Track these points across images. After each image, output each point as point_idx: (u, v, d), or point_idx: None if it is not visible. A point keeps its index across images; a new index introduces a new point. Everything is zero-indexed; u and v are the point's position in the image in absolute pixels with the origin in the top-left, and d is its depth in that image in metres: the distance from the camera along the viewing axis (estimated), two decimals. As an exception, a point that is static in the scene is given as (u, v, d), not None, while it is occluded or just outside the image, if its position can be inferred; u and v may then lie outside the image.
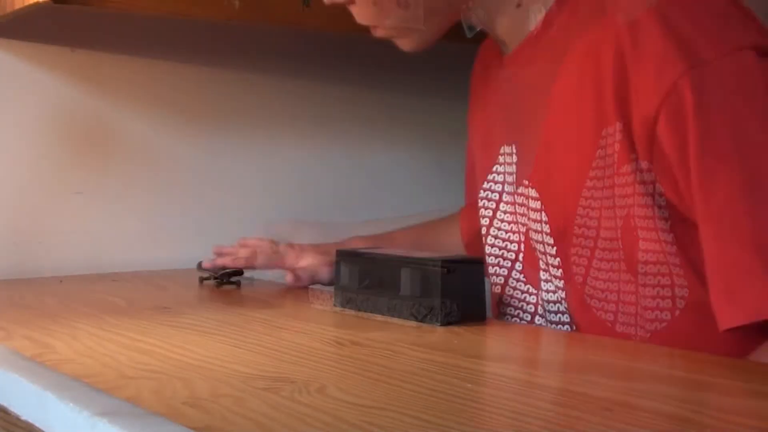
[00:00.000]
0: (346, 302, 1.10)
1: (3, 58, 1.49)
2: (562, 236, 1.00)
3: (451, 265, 1.00)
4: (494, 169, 1.14)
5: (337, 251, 1.12)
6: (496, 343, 0.97)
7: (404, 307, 1.02)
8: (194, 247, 1.65)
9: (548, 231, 1.01)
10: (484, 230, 1.16)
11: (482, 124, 1.18)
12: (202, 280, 1.34)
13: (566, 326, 1.02)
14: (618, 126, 0.91)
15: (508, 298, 1.12)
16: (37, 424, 0.74)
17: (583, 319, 1.00)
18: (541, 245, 1.03)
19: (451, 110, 2.00)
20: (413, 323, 1.00)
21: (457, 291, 1.00)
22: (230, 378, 0.76)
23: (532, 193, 1.03)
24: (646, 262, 0.93)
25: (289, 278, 1.27)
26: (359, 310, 1.08)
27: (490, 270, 1.15)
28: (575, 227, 0.98)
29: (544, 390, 0.77)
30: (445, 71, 1.99)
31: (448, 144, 1.99)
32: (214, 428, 0.62)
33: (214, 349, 0.88)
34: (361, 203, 1.87)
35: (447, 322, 0.99)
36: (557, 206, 1.00)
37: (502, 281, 1.13)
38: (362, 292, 1.08)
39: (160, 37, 1.63)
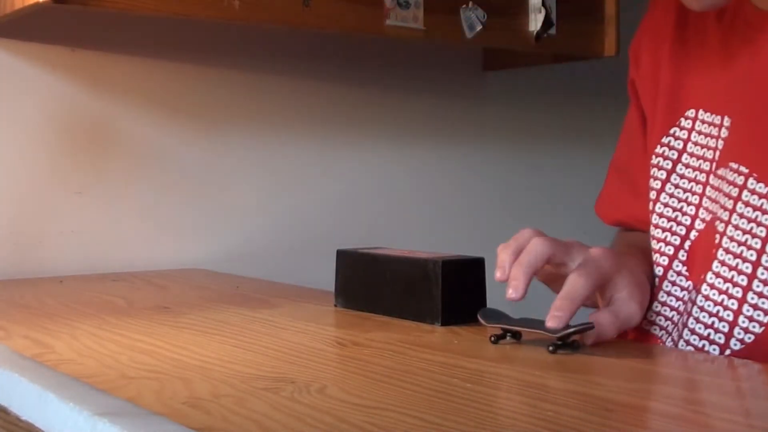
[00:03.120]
0: (347, 302, 1.10)
1: (3, 58, 1.49)
2: None
3: (451, 265, 1.00)
4: (672, 131, 0.98)
5: (338, 251, 1.12)
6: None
7: (404, 307, 1.02)
8: (194, 247, 1.66)
9: None
10: (650, 205, 0.98)
11: (671, 76, 1.00)
12: (497, 339, 0.90)
13: (715, 346, 0.87)
14: None
15: (665, 295, 0.95)
16: (37, 424, 0.74)
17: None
18: (752, 252, 0.85)
19: (453, 109, 2.00)
20: (414, 323, 1.00)
21: (457, 291, 1.00)
22: (230, 378, 0.76)
23: (755, 185, 0.86)
24: None
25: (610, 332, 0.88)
26: (360, 310, 1.08)
27: (655, 246, 0.97)
28: None
29: (544, 390, 0.77)
30: (447, 71, 1.99)
31: (449, 143, 1.99)
32: (215, 428, 0.62)
33: (214, 349, 0.88)
34: (362, 203, 1.87)
35: (447, 322, 0.99)
36: None
37: (661, 272, 0.95)
38: (363, 292, 1.08)
39: (160, 37, 1.64)
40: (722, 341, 0.86)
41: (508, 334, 0.89)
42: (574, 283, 0.85)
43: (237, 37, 1.72)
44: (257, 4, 1.47)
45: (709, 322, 0.87)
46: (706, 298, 0.87)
